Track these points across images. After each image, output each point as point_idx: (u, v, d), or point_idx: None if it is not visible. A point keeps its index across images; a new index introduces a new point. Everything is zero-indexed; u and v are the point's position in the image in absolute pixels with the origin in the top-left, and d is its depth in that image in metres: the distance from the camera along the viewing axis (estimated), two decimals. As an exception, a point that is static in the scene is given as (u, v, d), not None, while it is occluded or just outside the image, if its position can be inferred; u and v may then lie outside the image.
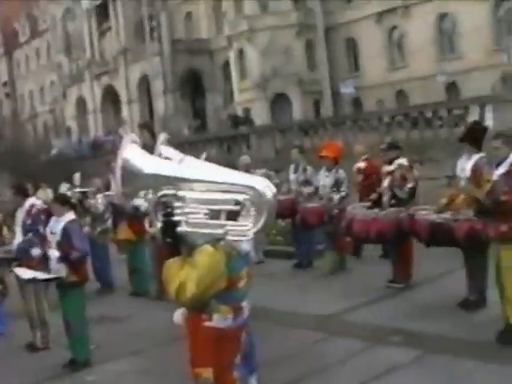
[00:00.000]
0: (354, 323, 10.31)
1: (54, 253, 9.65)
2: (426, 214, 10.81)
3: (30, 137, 70.79)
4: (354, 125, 27.14)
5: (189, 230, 5.15)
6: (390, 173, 12.03)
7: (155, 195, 5.31)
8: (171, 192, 5.19)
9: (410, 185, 11.78)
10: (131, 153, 5.17)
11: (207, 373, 5.30)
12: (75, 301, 9.75)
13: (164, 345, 10.18)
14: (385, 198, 12.00)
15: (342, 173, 13.74)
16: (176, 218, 5.15)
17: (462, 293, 10.29)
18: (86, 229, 13.70)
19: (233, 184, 5.08)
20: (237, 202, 5.04)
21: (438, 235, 10.33)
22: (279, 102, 55.37)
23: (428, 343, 9.02)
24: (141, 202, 13.60)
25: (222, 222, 5.07)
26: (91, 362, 9.81)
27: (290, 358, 8.95)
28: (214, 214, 5.10)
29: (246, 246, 5.50)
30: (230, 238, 5.10)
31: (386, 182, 12.06)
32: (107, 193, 15.81)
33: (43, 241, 10.82)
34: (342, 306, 11.11)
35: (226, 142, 29.85)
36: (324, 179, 13.85)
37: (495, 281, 8.91)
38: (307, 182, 14.47)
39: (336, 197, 13.42)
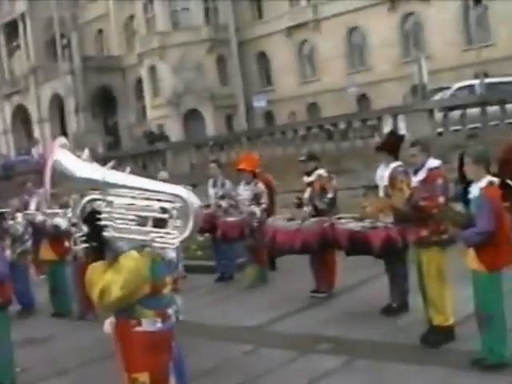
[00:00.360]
0: (281, 333, 10.37)
1: None
2: (345, 222, 11.00)
3: None
4: (269, 138, 27.31)
5: (115, 235, 5.20)
6: (310, 184, 12.14)
7: (80, 203, 5.35)
8: (99, 197, 5.24)
9: (329, 195, 11.90)
10: (62, 155, 5.22)
11: (143, 377, 5.33)
12: (-1, 323, 9.57)
13: (90, 364, 10.15)
14: (305, 209, 12.12)
15: (260, 185, 13.78)
16: (103, 223, 5.20)
17: (385, 299, 10.48)
18: (7, 251, 13.38)
19: (160, 192, 5.15)
20: (164, 210, 5.11)
21: (357, 245, 10.54)
22: (192, 117, 55.52)
23: (355, 349, 9.16)
24: (60, 221, 13.47)
25: (149, 229, 5.13)
26: (16, 385, 9.64)
27: (220, 371, 8.98)
28: (141, 221, 5.16)
29: (171, 254, 5.60)
30: (156, 245, 5.18)
31: (306, 193, 12.17)
32: (26, 212, 15.58)
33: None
34: (268, 317, 11.15)
35: (142, 159, 29.79)
36: (243, 193, 13.89)
37: (418, 285, 9.10)
38: (226, 196, 14.53)
39: (258, 210, 13.48)
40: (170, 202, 5.10)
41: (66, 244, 13.26)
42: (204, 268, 15.24)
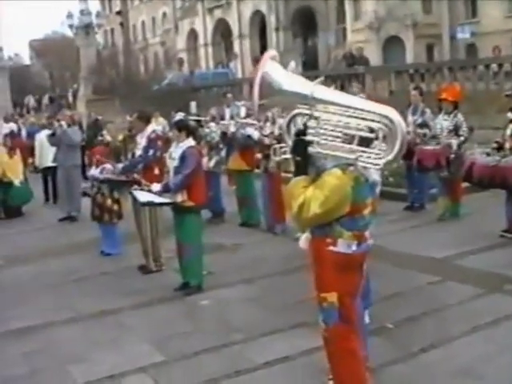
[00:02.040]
0: (468, 268, 10.13)
1: (155, 187, 9.76)
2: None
3: (142, 67, 71.25)
4: (472, 71, 26.31)
5: (320, 151, 5.17)
6: (512, 121, 11.68)
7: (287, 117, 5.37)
8: (307, 111, 5.21)
9: None
10: (272, 68, 5.22)
11: (332, 297, 5.36)
12: (191, 226, 9.80)
13: (275, 275, 10.36)
14: (507, 145, 11.67)
15: (460, 117, 13.40)
16: (308, 138, 5.17)
17: None
18: (204, 159, 13.63)
19: (369, 111, 5.06)
20: (371, 130, 5.03)
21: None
22: (391, 44, 54.42)
23: (543, 295, 8.84)
24: (253, 132, 13.65)
25: (355, 147, 5.07)
26: (203, 287, 9.95)
27: (403, 297, 8.94)
28: (347, 139, 5.10)
29: (375, 175, 5.47)
30: (360, 164, 5.10)
31: (508, 130, 11.72)
32: (221, 121, 15.86)
33: (159, 165, 10.99)
34: (455, 251, 10.97)
35: (340, 81, 29.53)
36: (442, 122, 13.56)
37: None
38: (425, 125, 14.21)
39: (455, 142, 13.12)
40: (378, 122, 5.01)
41: (257, 155, 13.43)
42: (394, 195, 15.07)
